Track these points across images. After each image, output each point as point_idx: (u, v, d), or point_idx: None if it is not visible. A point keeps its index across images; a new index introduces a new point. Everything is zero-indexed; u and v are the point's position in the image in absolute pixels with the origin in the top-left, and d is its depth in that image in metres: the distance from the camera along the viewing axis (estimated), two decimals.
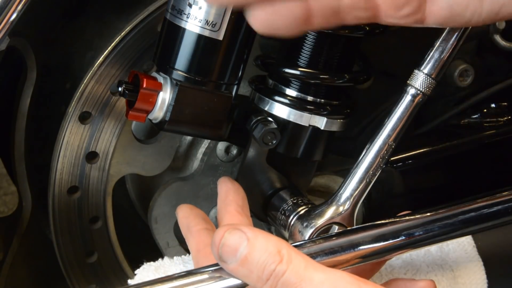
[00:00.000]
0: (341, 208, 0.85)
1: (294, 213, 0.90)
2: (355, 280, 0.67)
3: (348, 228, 0.85)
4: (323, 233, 0.86)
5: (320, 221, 0.85)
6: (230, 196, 0.88)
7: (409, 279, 0.83)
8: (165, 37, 0.87)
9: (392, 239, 0.80)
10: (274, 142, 0.90)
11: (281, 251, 0.66)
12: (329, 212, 0.86)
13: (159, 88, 0.85)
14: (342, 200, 0.86)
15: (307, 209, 0.89)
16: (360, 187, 0.85)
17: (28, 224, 1.05)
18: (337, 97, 0.94)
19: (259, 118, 0.90)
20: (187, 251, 1.07)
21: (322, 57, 0.91)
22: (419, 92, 0.83)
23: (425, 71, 0.83)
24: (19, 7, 0.82)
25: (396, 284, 0.83)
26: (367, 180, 0.85)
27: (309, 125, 0.92)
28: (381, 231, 0.80)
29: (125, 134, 0.99)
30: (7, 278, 1.03)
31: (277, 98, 0.92)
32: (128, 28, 0.92)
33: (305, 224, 0.86)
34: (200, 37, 0.84)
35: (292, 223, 0.89)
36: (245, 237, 0.66)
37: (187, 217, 0.89)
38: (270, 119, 0.91)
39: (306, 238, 0.85)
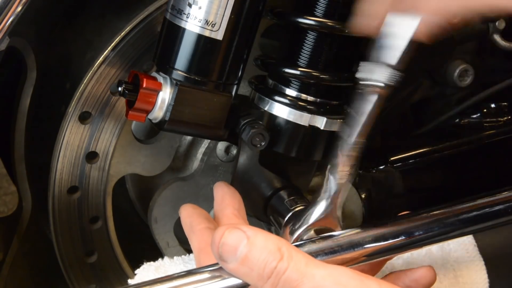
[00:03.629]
0: (321, 212, 0.84)
1: (289, 214, 0.89)
2: (356, 275, 0.67)
3: (348, 229, 0.85)
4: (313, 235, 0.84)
5: (305, 225, 0.84)
6: (226, 200, 0.88)
7: (408, 269, 0.84)
8: (165, 37, 0.87)
9: (392, 239, 0.80)
10: (263, 143, 0.90)
11: (281, 248, 0.66)
12: (313, 216, 0.84)
13: (159, 88, 0.85)
14: (321, 203, 0.84)
15: (301, 209, 0.89)
16: (336, 188, 0.83)
17: (28, 224, 1.05)
18: (337, 97, 0.94)
19: (247, 120, 0.90)
20: (187, 251, 1.07)
21: (322, 57, 0.91)
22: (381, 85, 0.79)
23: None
24: (19, 8, 0.82)
25: (397, 276, 0.84)
26: (342, 181, 0.83)
27: (309, 125, 0.92)
28: (381, 231, 0.80)
29: (125, 134, 0.99)
30: (7, 278, 1.03)
31: (277, 98, 0.92)
32: (128, 28, 0.92)
33: (296, 225, 0.86)
34: (200, 37, 0.84)
35: (285, 223, 0.89)
36: (244, 236, 0.66)
37: (190, 216, 0.89)
38: (259, 121, 0.90)
39: (293, 239, 0.85)
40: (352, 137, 0.79)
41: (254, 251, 0.66)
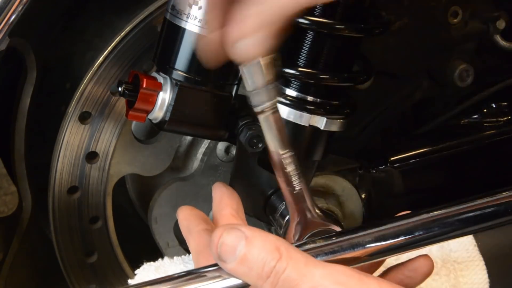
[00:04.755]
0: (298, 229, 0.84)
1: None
2: (356, 274, 0.67)
3: (348, 228, 0.85)
4: (318, 234, 0.85)
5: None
6: (224, 201, 0.88)
7: (406, 261, 0.84)
8: (165, 37, 0.87)
9: (392, 239, 0.80)
10: (260, 145, 0.90)
11: (280, 248, 0.66)
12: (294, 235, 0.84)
13: (159, 88, 0.86)
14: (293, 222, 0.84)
15: None
16: (292, 198, 0.82)
17: (28, 224, 1.05)
18: (337, 97, 0.94)
19: (245, 122, 0.90)
20: (187, 251, 1.07)
21: (322, 57, 0.91)
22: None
23: None
24: (19, 8, 0.82)
25: (397, 269, 0.84)
26: (290, 190, 0.83)
27: (309, 125, 0.92)
28: (381, 231, 0.80)
29: (125, 134, 0.99)
30: (7, 278, 1.03)
31: None
32: (128, 28, 0.93)
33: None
34: (200, 37, 0.84)
35: (285, 223, 0.89)
36: (243, 236, 0.66)
37: (188, 218, 0.89)
38: (257, 123, 0.90)
39: (296, 239, 0.85)
40: (278, 153, 0.78)
41: (253, 251, 0.65)
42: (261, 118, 0.75)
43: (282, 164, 0.78)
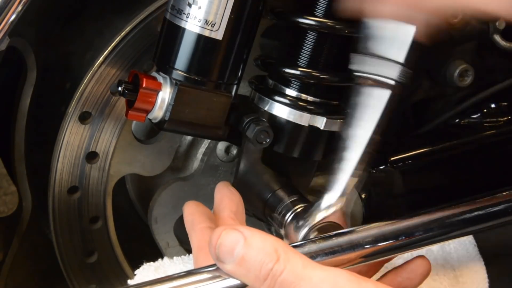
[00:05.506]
0: (332, 207, 0.84)
1: (290, 212, 0.89)
2: (354, 278, 0.66)
3: (349, 229, 0.85)
4: (320, 232, 0.85)
5: (315, 220, 0.85)
6: (224, 202, 0.88)
7: (404, 263, 0.84)
8: (164, 37, 0.87)
9: (392, 239, 0.80)
10: (268, 140, 0.90)
11: (278, 250, 0.66)
12: (321, 211, 0.85)
13: (158, 87, 0.86)
14: (332, 199, 0.84)
15: (302, 208, 0.89)
16: (350, 184, 0.83)
17: (28, 224, 1.05)
18: (337, 97, 0.94)
19: (251, 118, 0.90)
20: (187, 251, 1.07)
21: (322, 57, 0.91)
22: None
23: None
24: (19, 8, 0.82)
25: (395, 272, 0.84)
26: (356, 177, 0.83)
27: (309, 125, 0.92)
28: (381, 231, 0.80)
29: (125, 134, 0.99)
30: (7, 278, 1.03)
31: (277, 98, 0.92)
32: (128, 28, 0.93)
33: (300, 223, 0.86)
34: (199, 37, 0.84)
35: (287, 222, 0.89)
36: (242, 237, 0.66)
37: (193, 214, 0.88)
38: (262, 118, 0.90)
39: (300, 237, 0.85)
40: (364, 134, 0.79)
41: (251, 253, 0.65)
42: (372, 88, 0.74)
43: (363, 147, 0.78)
